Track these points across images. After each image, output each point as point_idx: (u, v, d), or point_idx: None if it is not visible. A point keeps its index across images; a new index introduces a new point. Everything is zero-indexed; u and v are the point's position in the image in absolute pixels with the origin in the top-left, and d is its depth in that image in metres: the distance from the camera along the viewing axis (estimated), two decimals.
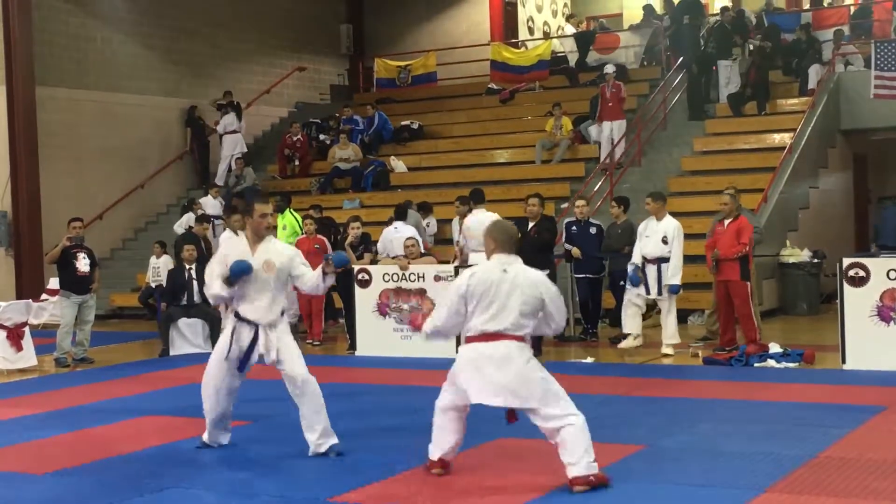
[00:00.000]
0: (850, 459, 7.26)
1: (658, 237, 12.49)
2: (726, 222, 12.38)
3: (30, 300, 14.32)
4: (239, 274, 7.63)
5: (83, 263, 13.42)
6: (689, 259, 14.41)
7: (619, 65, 22.73)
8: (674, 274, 12.43)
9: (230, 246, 8.02)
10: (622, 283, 13.07)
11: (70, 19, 20.81)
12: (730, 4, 22.06)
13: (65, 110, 20.44)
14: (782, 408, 9.23)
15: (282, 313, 7.93)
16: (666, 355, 12.44)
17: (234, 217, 13.40)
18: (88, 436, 8.93)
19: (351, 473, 7.35)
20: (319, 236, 14.88)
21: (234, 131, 22.18)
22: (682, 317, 14.88)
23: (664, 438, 8.02)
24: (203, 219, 15.62)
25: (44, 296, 16.92)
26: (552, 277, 13.54)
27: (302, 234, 15.14)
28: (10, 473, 7.66)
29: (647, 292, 12.62)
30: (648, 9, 24.02)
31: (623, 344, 12.79)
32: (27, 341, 13.04)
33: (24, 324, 13.11)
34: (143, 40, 22.15)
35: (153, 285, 17.03)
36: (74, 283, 13.39)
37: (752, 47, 20.81)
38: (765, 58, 19.76)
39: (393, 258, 13.79)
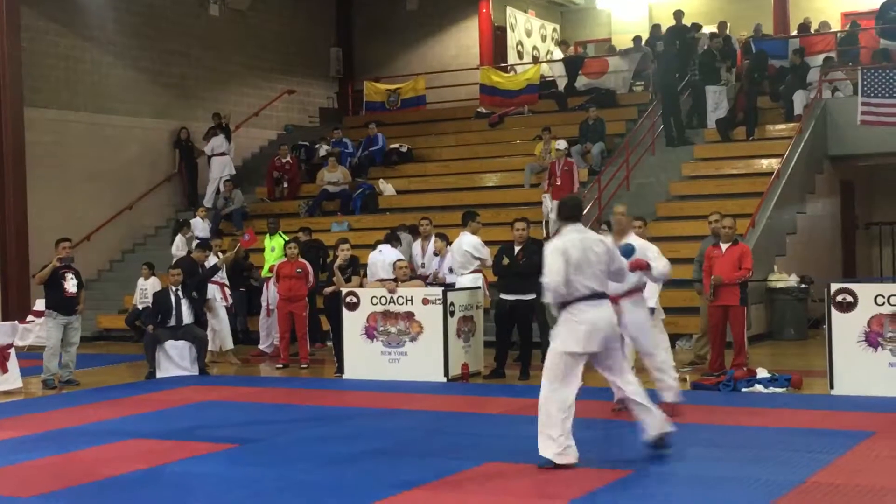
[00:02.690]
0: (838, 485, 7.25)
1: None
2: (724, 246, 12.38)
3: (16, 322, 14.27)
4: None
5: (71, 284, 13.38)
6: (676, 283, 14.41)
7: (607, 90, 22.90)
8: (650, 296, 12.36)
9: None
10: None
11: (60, 41, 20.82)
12: (716, 31, 22.13)
13: (53, 131, 20.42)
14: (770, 433, 9.23)
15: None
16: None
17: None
18: (74, 459, 8.88)
19: (339, 497, 7.32)
20: (301, 260, 14.86)
21: (223, 153, 22.18)
22: (670, 342, 14.87)
23: (651, 464, 7.99)
24: (204, 246, 15.55)
25: (30, 317, 16.86)
26: (539, 302, 13.59)
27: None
28: None
29: None
30: (637, 40, 24.18)
31: None
32: (12, 363, 12.97)
33: (10, 345, 13.05)
34: (132, 62, 22.17)
35: (140, 307, 16.98)
36: (62, 304, 13.35)
37: (735, 74, 20.93)
38: (753, 83, 19.88)
39: (378, 281, 13.76)
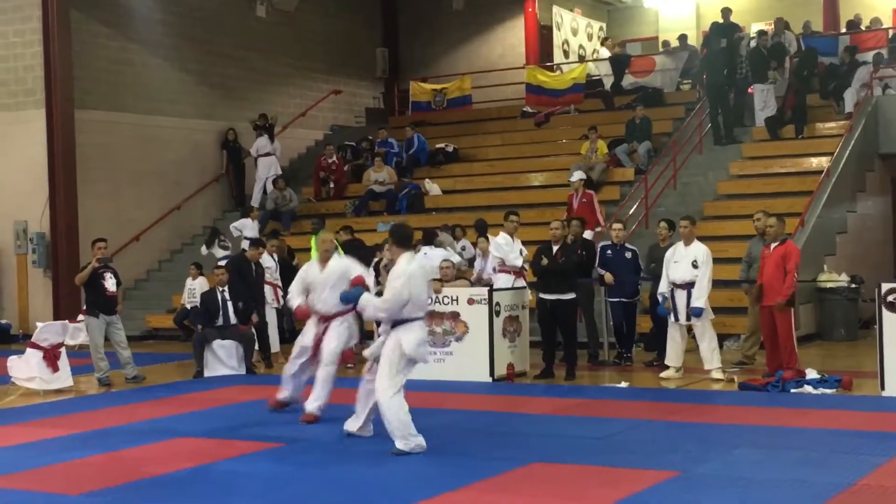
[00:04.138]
0: (888, 488, 7.15)
1: (688, 262, 12.39)
2: (773, 246, 12.24)
3: (66, 321, 14.41)
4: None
5: (111, 283, 13.54)
6: (724, 283, 14.32)
7: (654, 88, 22.76)
8: (698, 297, 12.28)
9: None
10: None
11: (109, 43, 21.04)
12: (770, 28, 21.87)
13: (102, 133, 20.63)
14: (819, 435, 9.13)
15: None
16: (717, 380, 12.29)
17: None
18: (122, 457, 8.96)
19: (385, 496, 7.34)
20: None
21: (268, 153, 22.31)
22: (718, 342, 14.75)
23: (699, 465, 7.94)
24: (257, 243, 15.63)
25: (80, 317, 17.01)
26: (580, 301, 13.55)
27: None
28: (45, 494, 7.70)
29: (676, 318, 12.49)
30: (683, 38, 24.00)
31: (664, 374, 12.68)
32: (63, 362, 13.11)
33: (61, 344, 13.19)
34: (180, 64, 22.35)
35: (188, 307, 17.11)
36: (103, 304, 13.52)
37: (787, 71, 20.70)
38: (802, 81, 19.66)
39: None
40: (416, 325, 8.78)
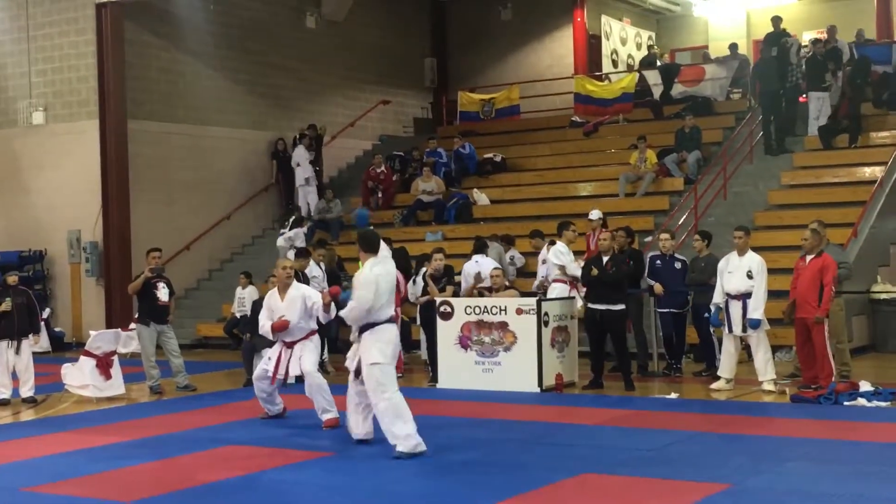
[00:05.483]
0: None
1: (742, 272, 12.31)
2: (808, 258, 12.16)
3: (119, 329, 14.59)
4: None
5: (163, 293, 13.69)
6: (774, 294, 14.17)
7: (703, 97, 22.61)
8: (755, 308, 12.19)
9: None
10: (706, 315, 12.93)
11: (161, 54, 21.28)
12: (823, 37, 21.63)
13: (155, 143, 20.87)
14: (873, 448, 9.01)
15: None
16: (768, 392, 12.18)
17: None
18: (174, 464, 9.06)
19: None
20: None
21: (299, 164, 22.40)
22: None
23: (750, 478, 7.87)
24: (302, 254, 15.74)
25: (132, 325, 17.20)
26: (629, 312, 13.49)
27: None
28: (98, 500, 7.79)
29: (730, 330, 12.40)
30: (734, 47, 23.83)
31: (715, 385, 12.58)
32: (116, 370, 13.28)
33: (113, 352, 13.35)
34: (230, 74, 22.56)
35: (238, 315, 17.22)
36: (155, 313, 13.66)
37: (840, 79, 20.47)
38: (856, 90, 19.44)
39: (476, 288, 13.75)
40: (383, 329, 9.10)
